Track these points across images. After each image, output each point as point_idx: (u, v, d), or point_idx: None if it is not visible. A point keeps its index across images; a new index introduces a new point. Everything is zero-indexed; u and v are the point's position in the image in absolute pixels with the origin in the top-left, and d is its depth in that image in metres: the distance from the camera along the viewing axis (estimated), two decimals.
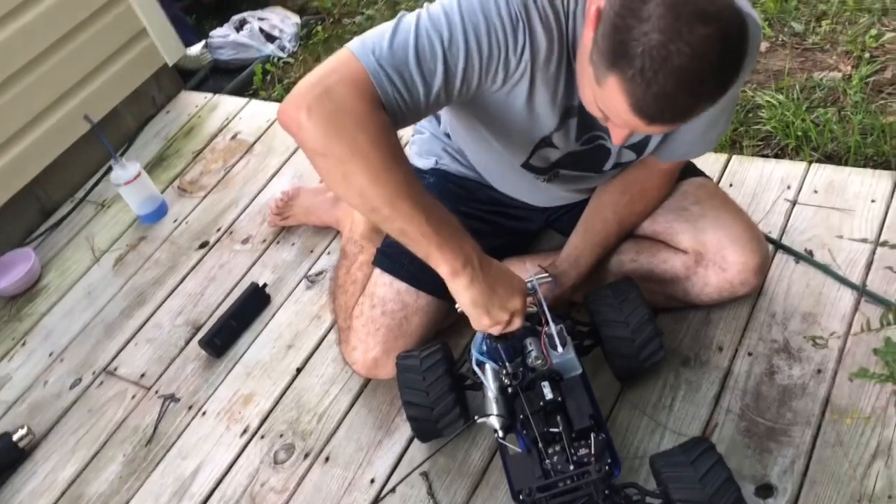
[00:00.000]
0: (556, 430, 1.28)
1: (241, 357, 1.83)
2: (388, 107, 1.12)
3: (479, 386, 1.42)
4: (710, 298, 1.49)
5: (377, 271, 1.60)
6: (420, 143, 1.69)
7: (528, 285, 1.41)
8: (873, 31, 2.17)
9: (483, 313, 1.22)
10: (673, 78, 0.96)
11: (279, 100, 2.72)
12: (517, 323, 1.27)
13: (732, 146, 2.01)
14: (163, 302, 2.05)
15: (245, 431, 1.68)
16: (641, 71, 0.96)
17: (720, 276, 1.46)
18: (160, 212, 2.30)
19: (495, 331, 1.28)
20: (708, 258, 1.46)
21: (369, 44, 1.11)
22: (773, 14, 2.35)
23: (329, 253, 1.99)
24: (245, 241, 2.12)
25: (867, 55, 2.11)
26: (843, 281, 1.52)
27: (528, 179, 1.50)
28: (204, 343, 1.84)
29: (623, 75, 0.98)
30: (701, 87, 0.99)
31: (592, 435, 1.28)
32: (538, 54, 1.15)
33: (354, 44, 1.13)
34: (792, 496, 1.27)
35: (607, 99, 1.04)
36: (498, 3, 1.10)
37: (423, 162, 1.66)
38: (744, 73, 1.09)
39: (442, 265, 1.18)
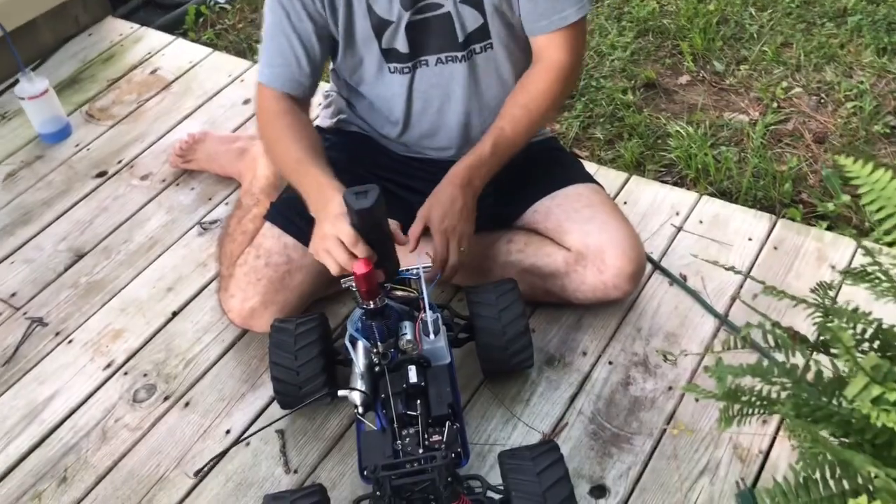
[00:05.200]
0: (413, 413, 1.31)
1: (118, 291, 1.80)
2: (285, 88, 1.48)
3: (350, 362, 1.44)
4: (584, 297, 1.55)
5: (267, 224, 1.61)
6: (331, 101, 1.73)
7: (414, 271, 1.44)
8: (784, 84, 2.28)
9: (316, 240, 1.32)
10: None
11: (208, 44, 2.67)
12: (359, 251, 1.27)
13: (637, 167, 2.09)
14: (48, 225, 1.99)
15: (109, 366, 1.65)
16: None
17: (596, 277, 1.51)
18: (63, 133, 2.23)
19: (331, 265, 1.30)
20: (588, 258, 1.51)
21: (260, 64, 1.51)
22: (698, 50, 2.45)
23: (227, 203, 1.97)
24: (144, 178, 2.08)
25: (775, 105, 2.22)
26: (709, 308, 1.61)
27: (402, 97, 1.52)
28: None
29: None
30: None
31: (448, 423, 1.31)
32: None
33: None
34: (622, 499, 1.34)
35: None
36: None
37: (327, 122, 1.71)
38: None
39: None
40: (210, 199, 2.00)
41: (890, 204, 0.94)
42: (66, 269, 1.87)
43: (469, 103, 1.54)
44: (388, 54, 1.48)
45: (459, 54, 1.47)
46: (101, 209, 2.01)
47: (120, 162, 2.14)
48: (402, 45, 1.45)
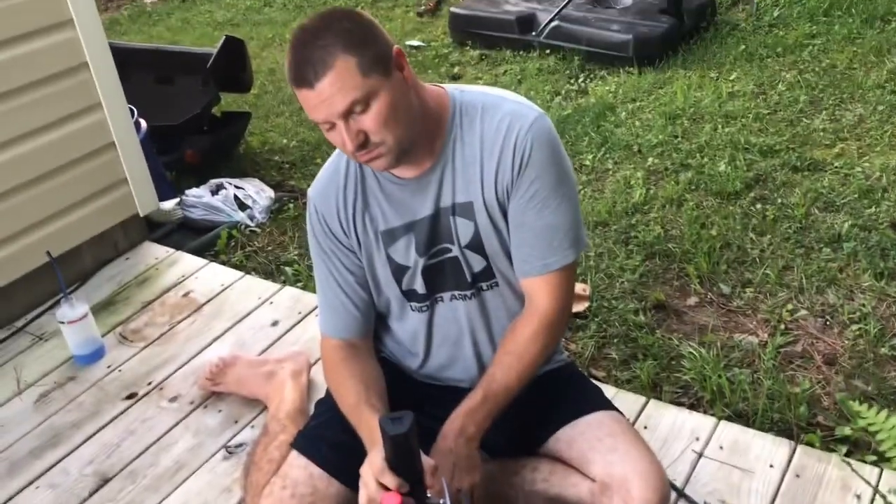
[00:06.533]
0: None
1: None
2: (341, 335, 1.58)
3: None
4: None
5: (294, 453, 1.63)
6: None
7: (441, 502, 1.45)
8: (790, 306, 2.38)
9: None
10: (293, 45, 1.30)
11: (238, 265, 2.82)
12: (387, 480, 1.31)
13: (653, 388, 2.14)
14: (76, 448, 2.02)
15: None
16: (287, 59, 1.31)
17: None
18: (97, 355, 2.32)
19: (361, 497, 1.35)
20: (613, 489, 1.52)
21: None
22: (704, 273, 2.57)
23: (253, 426, 2.01)
24: (173, 400, 2.14)
25: (782, 326, 2.31)
26: None
27: (422, 331, 1.60)
28: None
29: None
30: (311, 38, 1.28)
31: None
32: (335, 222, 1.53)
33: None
34: None
35: None
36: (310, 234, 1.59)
37: None
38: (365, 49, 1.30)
39: None
40: (236, 421, 2.04)
41: None
42: (90, 495, 1.88)
43: (480, 336, 1.63)
44: (408, 295, 1.59)
45: (469, 292, 1.58)
46: (128, 432, 2.05)
47: (150, 384, 2.21)
48: (419, 286, 1.57)
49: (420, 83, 1.43)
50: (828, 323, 2.32)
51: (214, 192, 3.23)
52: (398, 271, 1.56)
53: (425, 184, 1.48)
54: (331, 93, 1.28)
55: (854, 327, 2.27)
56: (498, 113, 1.44)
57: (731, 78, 3.93)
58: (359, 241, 1.55)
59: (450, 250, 1.53)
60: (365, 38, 1.30)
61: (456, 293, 1.57)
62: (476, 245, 1.51)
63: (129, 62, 3.09)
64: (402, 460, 1.33)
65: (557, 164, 1.44)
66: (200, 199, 3.17)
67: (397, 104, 1.33)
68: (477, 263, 1.54)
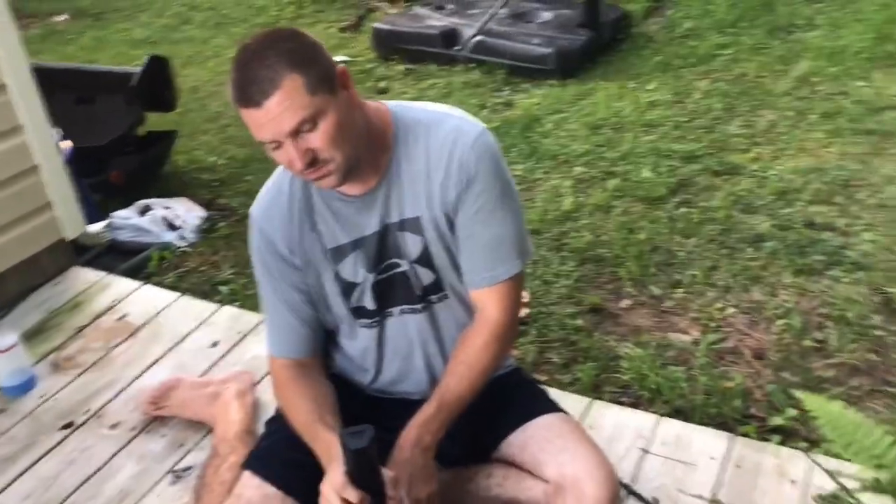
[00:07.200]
0: None
1: None
2: (289, 355, 1.57)
3: None
4: None
5: (247, 473, 1.61)
6: None
7: None
8: (718, 305, 2.48)
9: None
10: (237, 65, 1.28)
11: (172, 287, 2.77)
12: (349, 494, 1.34)
13: (595, 390, 2.19)
14: (11, 483, 1.95)
15: None
16: (230, 79, 1.29)
17: None
18: (27, 385, 2.24)
19: None
20: (567, 489, 1.55)
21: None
22: (635, 275, 2.66)
23: (200, 448, 1.97)
24: (113, 427, 2.08)
25: (713, 324, 2.41)
26: None
27: (372, 347, 1.61)
28: None
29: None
30: (256, 58, 1.27)
31: None
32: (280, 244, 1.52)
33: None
34: None
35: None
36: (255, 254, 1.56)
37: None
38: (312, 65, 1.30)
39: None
40: (181, 445, 2.00)
41: (855, 440, 1.05)
42: None
43: (431, 349, 1.64)
44: (357, 311, 1.59)
45: (419, 306, 1.59)
46: (67, 462, 1.99)
47: (87, 412, 2.14)
48: (369, 302, 1.58)
49: (362, 101, 1.45)
50: (754, 319, 2.43)
51: (142, 213, 3.16)
52: (347, 288, 1.56)
53: (371, 200, 1.49)
54: (279, 111, 1.28)
55: (779, 322, 2.38)
56: (442, 129, 1.47)
57: (650, 88, 4.07)
58: (306, 260, 1.55)
59: (399, 265, 1.55)
60: (309, 58, 1.31)
61: (405, 307, 1.59)
62: (425, 259, 1.53)
63: (46, 82, 3.00)
64: (364, 474, 1.34)
65: (501, 178, 1.48)
66: (128, 220, 3.10)
67: (344, 122, 1.34)
68: (426, 277, 1.56)
